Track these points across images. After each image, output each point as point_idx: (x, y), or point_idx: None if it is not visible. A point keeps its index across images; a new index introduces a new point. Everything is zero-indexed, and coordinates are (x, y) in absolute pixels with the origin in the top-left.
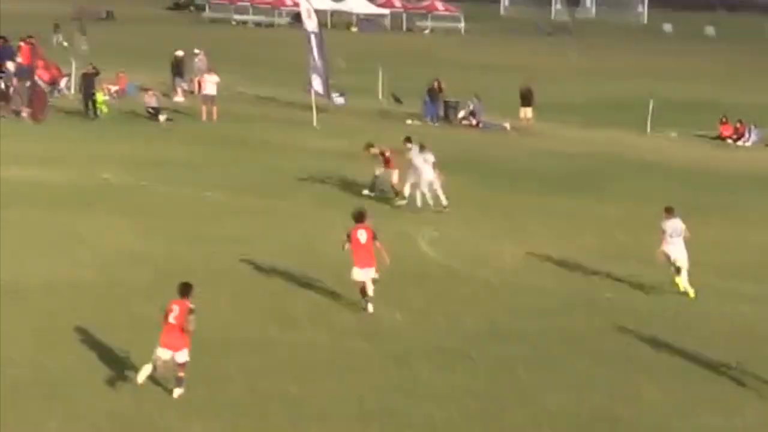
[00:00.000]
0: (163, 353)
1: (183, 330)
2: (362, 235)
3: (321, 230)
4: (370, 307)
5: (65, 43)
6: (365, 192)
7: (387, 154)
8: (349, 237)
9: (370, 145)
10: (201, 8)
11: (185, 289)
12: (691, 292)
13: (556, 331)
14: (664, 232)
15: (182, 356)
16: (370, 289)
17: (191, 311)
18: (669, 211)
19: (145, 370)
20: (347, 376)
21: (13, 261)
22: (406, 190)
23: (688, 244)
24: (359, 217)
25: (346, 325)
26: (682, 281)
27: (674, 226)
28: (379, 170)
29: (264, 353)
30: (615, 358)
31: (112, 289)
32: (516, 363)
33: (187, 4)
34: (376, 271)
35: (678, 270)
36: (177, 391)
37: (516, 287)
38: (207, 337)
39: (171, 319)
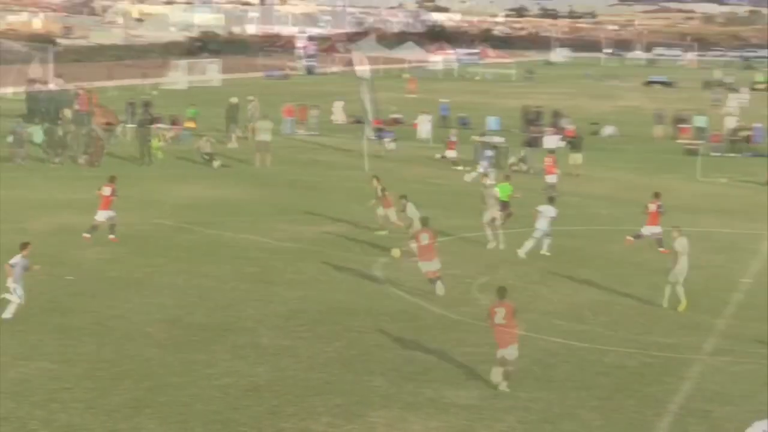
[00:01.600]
0: (509, 352)
1: (513, 327)
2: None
3: (373, 273)
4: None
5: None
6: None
7: (386, 192)
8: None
9: (376, 177)
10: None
11: (504, 292)
12: (683, 305)
13: (610, 375)
14: (677, 251)
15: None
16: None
17: (515, 309)
18: (680, 231)
19: (496, 372)
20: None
21: (67, 303)
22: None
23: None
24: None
25: (402, 367)
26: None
27: (684, 243)
28: (380, 210)
29: (322, 394)
30: (663, 403)
31: (169, 332)
32: (574, 408)
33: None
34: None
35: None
36: (504, 385)
37: (565, 332)
38: (259, 381)
39: (499, 320)
